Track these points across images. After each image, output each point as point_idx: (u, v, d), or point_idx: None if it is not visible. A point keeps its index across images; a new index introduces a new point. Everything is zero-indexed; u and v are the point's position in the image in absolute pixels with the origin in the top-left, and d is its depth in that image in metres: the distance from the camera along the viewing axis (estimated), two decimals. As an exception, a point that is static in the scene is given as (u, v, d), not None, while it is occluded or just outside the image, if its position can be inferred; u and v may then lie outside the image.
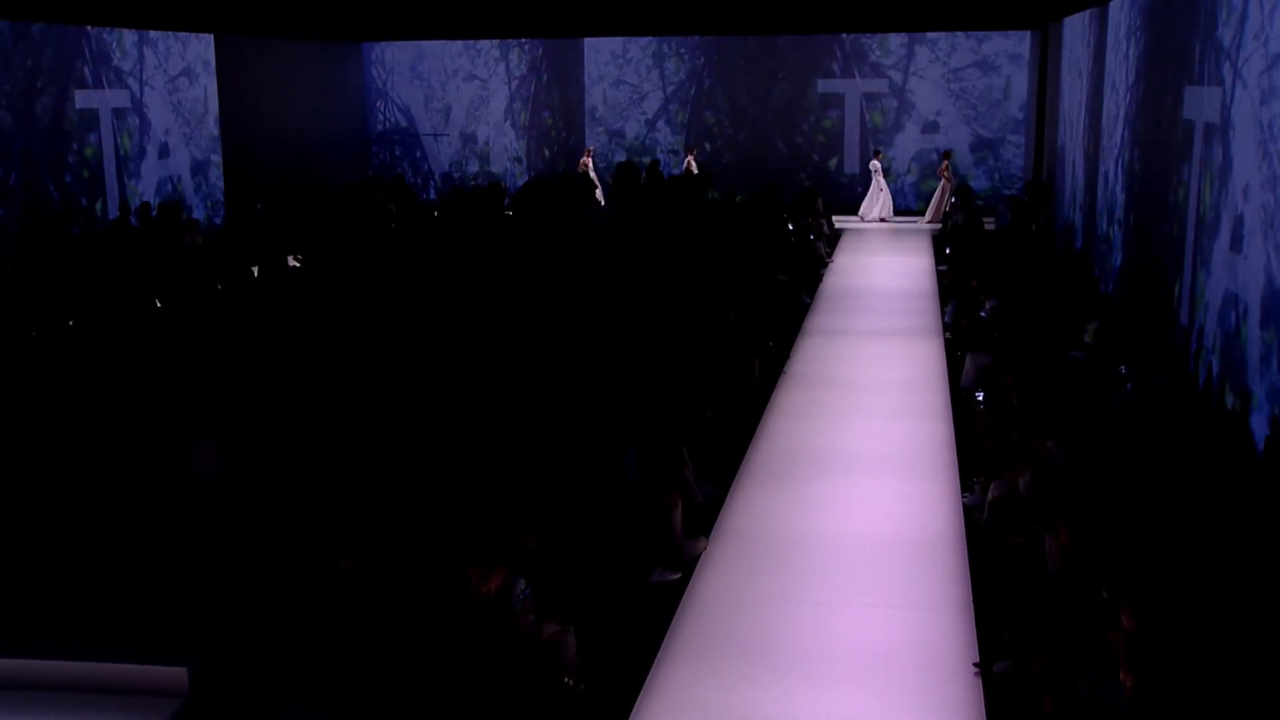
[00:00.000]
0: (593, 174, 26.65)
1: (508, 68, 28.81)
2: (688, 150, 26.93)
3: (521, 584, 6.40)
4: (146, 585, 6.86)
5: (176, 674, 6.43)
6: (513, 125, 28.94)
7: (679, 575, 8.00)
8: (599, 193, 26.02)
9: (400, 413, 8.95)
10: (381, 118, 29.57)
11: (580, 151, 27.90)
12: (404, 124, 29.47)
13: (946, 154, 25.66)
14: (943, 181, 25.22)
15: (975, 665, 6.86)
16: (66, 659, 6.51)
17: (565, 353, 10.82)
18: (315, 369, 10.06)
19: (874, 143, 27.05)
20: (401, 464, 7.89)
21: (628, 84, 28.24)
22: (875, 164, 25.89)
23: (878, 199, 25.83)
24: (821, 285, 18.84)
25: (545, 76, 28.68)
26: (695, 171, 26.12)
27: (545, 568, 6.85)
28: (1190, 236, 11.48)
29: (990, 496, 8.69)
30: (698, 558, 8.35)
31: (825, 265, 20.31)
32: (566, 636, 6.56)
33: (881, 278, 19.57)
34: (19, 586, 6.95)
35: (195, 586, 6.83)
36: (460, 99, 29.08)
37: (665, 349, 11.32)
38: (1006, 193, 25.36)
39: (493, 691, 6.15)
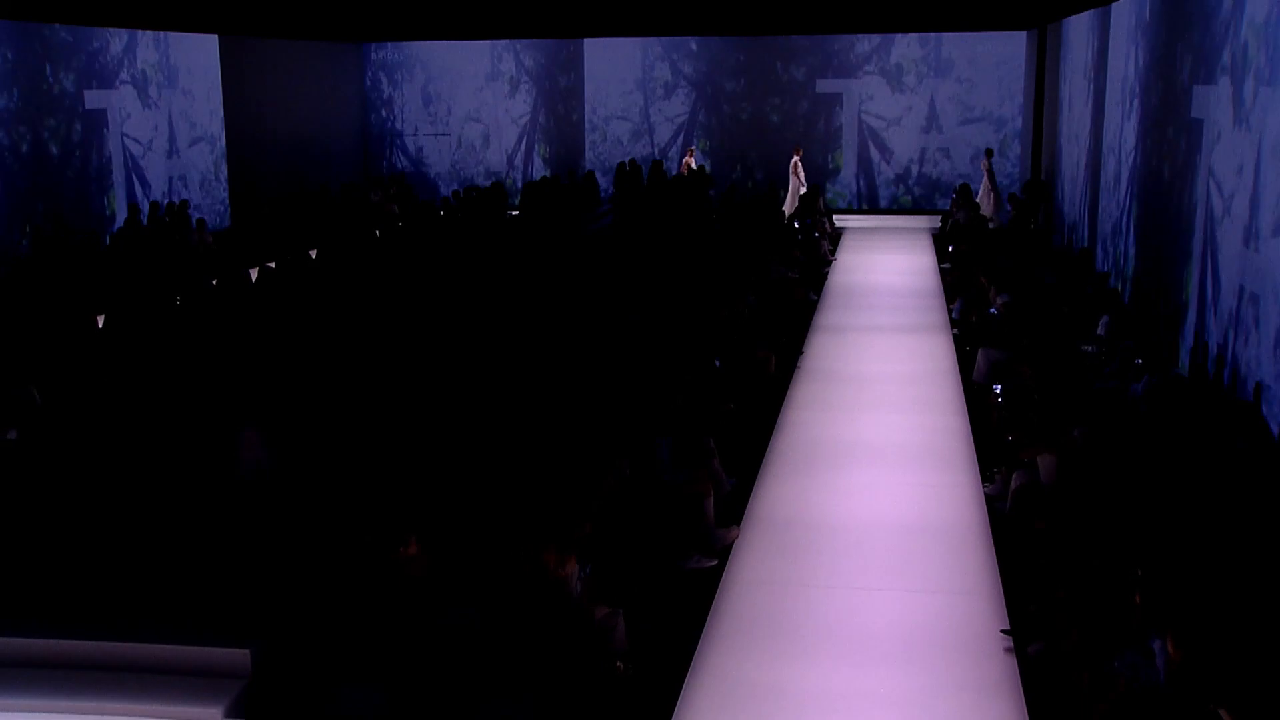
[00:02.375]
0: (692, 171, 26.23)
1: (509, 68, 28.98)
2: (795, 150, 26.49)
3: (577, 569, 6.62)
4: (211, 570, 7.05)
5: (239, 655, 6.62)
6: (513, 126, 29.12)
7: (715, 561, 8.23)
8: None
9: (444, 406, 9.15)
10: (382, 118, 29.71)
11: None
12: (404, 125, 29.61)
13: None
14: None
15: (1004, 632, 7.13)
16: (134, 641, 6.71)
17: (596, 350, 11.03)
18: (357, 363, 10.26)
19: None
20: (452, 454, 8.10)
21: (629, 86, 28.45)
22: (986, 164, 25.42)
23: (988, 199, 25.58)
24: (827, 283, 19.09)
25: (547, 77, 28.88)
26: (802, 173, 25.95)
27: (596, 553, 7.07)
28: (1199, 232, 11.75)
29: (1013, 486, 8.93)
30: (731, 545, 8.58)
31: (829, 263, 20.56)
32: (617, 619, 6.78)
33: (885, 275, 19.82)
34: (86, 571, 7.14)
35: (257, 571, 7.02)
36: (461, 100, 29.24)
37: (691, 346, 11.55)
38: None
39: (548, 672, 6.37)
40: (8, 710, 6.38)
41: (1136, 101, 15.12)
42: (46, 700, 6.43)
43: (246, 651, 6.61)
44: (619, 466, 8.06)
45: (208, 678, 6.60)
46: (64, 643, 6.69)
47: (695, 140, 27.81)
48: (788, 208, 25.58)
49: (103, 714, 6.35)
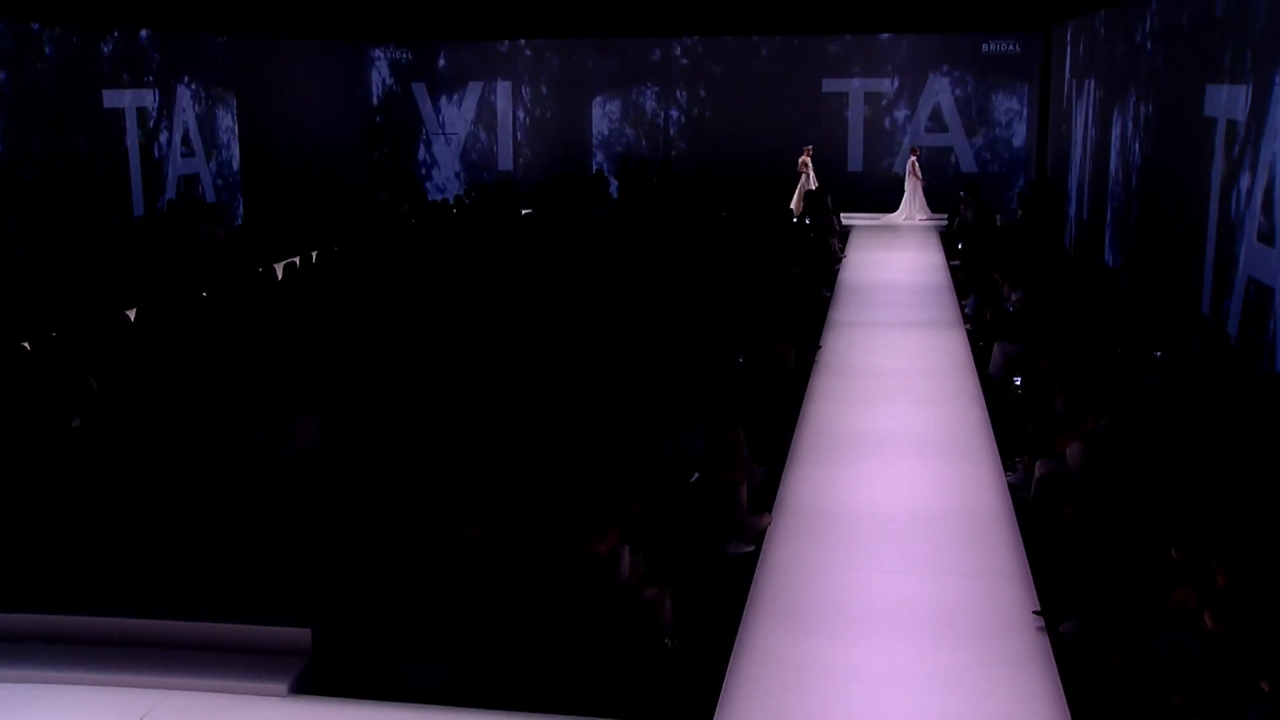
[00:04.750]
0: (811, 173, 26.16)
1: (515, 68, 29.22)
2: (913, 151, 26.23)
3: (627, 552, 6.87)
4: (271, 553, 7.29)
5: (301, 634, 6.86)
6: (518, 125, 29.34)
7: (752, 547, 8.49)
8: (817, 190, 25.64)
9: (490, 396, 9.41)
10: (390, 118, 29.91)
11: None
12: (412, 124, 29.82)
13: None
14: None
15: (1035, 612, 7.37)
16: (198, 620, 6.95)
17: (634, 344, 11.29)
18: (403, 355, 10.52)
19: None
20: (502, 441, 8.35)
21: (633, 84, 28.71)
22: None
23: None
24: (838, 280, 19.33)
25: (550, 76, 29.11)
26: (919, 171, 25.84)
27: (642, 537, 7.32)
28: (1212, 230, 12.01)
29: (1037, 474, 9.18)
30: (764, 531, 8.82)
31: (839, 260, 20.81)
32: (664, 600, 7.03)
33: (895, 272, 20.08)
34: (153, 553, 7.38)
35: (317, 554, 7.26)
36: (468, 100, 29.44)
37: (711, 343, 11.80)
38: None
39: (602, 649, 6.62)
40: (81, 684, 6.63)
41: (1147, 100, 15.38)
42: (118, 675, 6.67)
43: (308, 630, 6.85)
44: (659, 455, 8.32)
45: (269, 656, 6.84)
46: (135, 621, 6.94)
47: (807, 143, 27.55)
48: (904, 210, 25.95)
49: (173, 689, 6.59)
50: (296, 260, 16.46)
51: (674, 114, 28.61)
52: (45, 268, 17.54)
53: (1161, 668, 5.79)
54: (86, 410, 9.04)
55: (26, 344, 11.27)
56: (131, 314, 13.26)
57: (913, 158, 26.14)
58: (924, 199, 26.18)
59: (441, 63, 29.48)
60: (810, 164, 26.28)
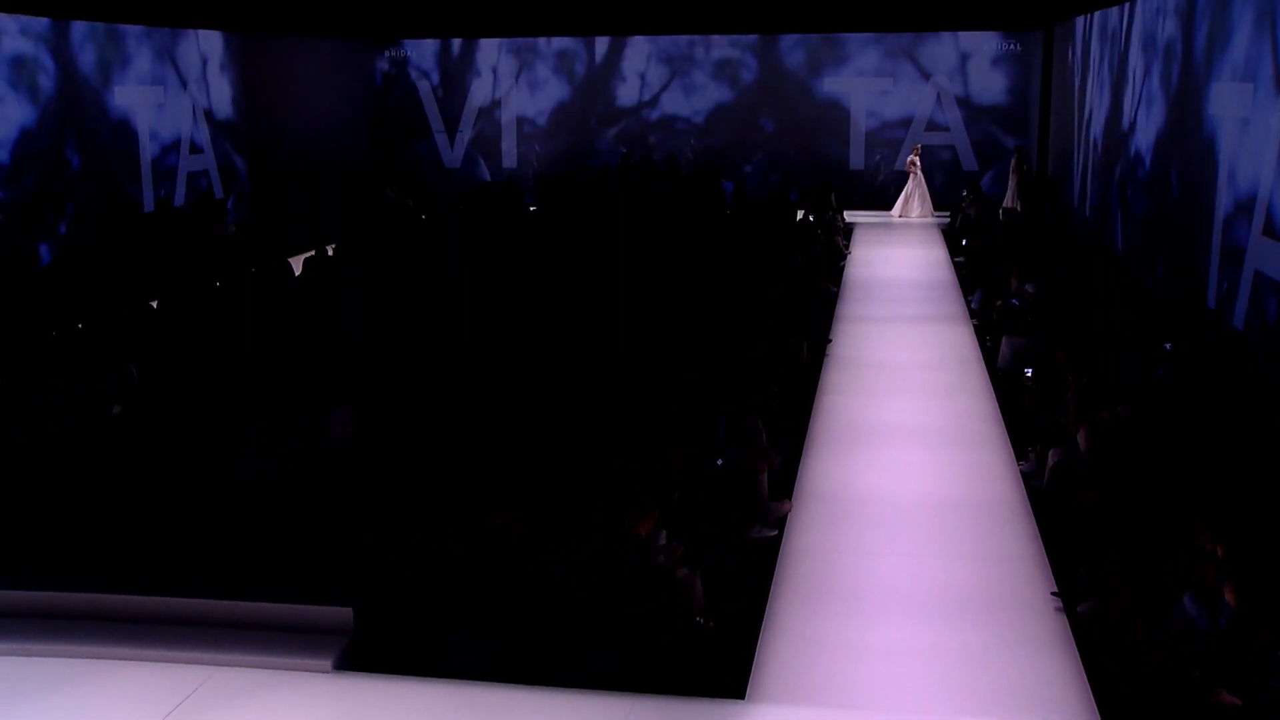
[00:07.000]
0: (919, 173, 26.35)
1: (518, 64, 29.39)
2: (1016, 152, 25.80)
3: (664, 535, 7.08)
4: (314, 535, 7.49)
5: (343, 613, 7.06)
6: (522, 123, 29.51)
7: (775, 532, 8.70)
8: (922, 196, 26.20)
9: (515, 383, 9.61)
10: (395, 115, 30.06)
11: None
12: (416, 122, 29.98)
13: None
14: None
15: (1054, 594, 7.59)
16: (242, 599, 7.15)
17: (658, 334, 11.50)
18: (429, 345, 10.72)
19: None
20: (528, 427, 8.56)
21: (635, 81, 28.90)
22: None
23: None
24: (844, 276, 19.54)
25: (554, 73, 29.29)
26: (1014, 183, 25.37)
27: (674, 519, 7.53)
28: (1219, 226, 12.24)
29: (1050, 462, 9.40)
30: (785, 517, 9.04)
31: (844, 257, 21.03)
32: (695, 580, 7.24)
33: (899, 269, 20.28)
34: (200, 535, 7.59)
35: (358, 537, 7.46)
36: (472, 98, 29.61)
37: (738, 334, 12.02)
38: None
39: (637, 627, 6.82)
40: (135, 660, 6.83)
41: (1152, 99, 15.59)
42: (170, 652, 6.88)
43: (350, 610, 7.05)
44: (690, 442, 8.54)
45: (312, 634, 7.04)
46: (186, 601, 7.15)
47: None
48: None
49: (222, 665, 6.79)
50: (313, 253, 16.64)
51: (675, 112, 28.77)
52: (56, 263, 17.69)
53: (1181, 641, 6.00)
54: (128, 398, 9.23)
55: (54, 333, 11.48)
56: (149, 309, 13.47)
57: (1014, 159, 25.66)
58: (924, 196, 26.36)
59: (446, 60, 29.62)
60: (919, 164, 26.45)
